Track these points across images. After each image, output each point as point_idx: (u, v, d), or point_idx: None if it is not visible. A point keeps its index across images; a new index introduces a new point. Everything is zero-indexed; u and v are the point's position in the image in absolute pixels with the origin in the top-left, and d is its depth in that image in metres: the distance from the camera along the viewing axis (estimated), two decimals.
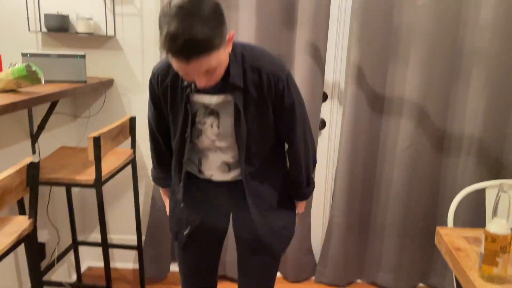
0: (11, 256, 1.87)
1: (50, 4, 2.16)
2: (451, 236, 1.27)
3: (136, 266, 2.50)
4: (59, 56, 1.95)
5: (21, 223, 1.35)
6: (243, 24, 2.06)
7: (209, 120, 1.24)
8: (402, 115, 2.14)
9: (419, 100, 2.09)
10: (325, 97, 2.29)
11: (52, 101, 1.95)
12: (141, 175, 2.39)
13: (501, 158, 2.12)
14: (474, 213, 2.17)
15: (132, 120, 2.01)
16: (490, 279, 1.04)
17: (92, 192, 2.41)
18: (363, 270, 2.43)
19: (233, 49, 1.15)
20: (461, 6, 2.02)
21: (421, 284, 2.41)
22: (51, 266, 2.07)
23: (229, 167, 1.30)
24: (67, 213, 2.28)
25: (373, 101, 2.17)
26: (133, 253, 2.51)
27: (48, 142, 2.12)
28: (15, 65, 1.66)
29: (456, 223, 1.41)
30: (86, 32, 2.13)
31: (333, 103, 2.31)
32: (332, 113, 2.32)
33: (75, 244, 2.26)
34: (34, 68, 1.62)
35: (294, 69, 2.13)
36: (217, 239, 1.48)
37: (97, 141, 1.66)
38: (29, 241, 1.38)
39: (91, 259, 2.53)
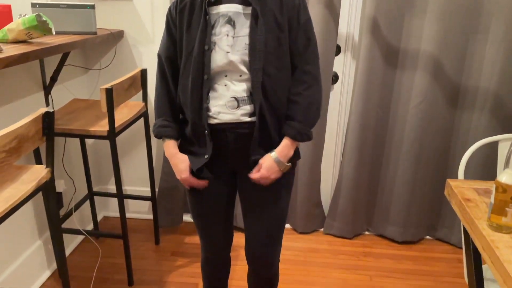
0: (30, 205, 1.94)
1: None
2: (461, 187, 1.27)
3: (150, 216, 2.58)
4: (68, 6, 1.92)
5: (39, 171, 1.39)
6: None
7: (225, 29, 1.22)
8: (416, 69, 2.10)
9: (435, 54, 2.04)
10: (338, 50, 2.24)
11: (64, 53, 1.95)
12: None
13: None
14: (484, 170, 2.17)
15: (144, 72, 2.01)
16: (499, 228, 1.05)
17: (106, 144, 2.48)
18: (371, 223, 2.48)
19: None
20: None
21: (428, 237, 2.46)
22: (68, 215, 2.15)
23: (238, 102, 1.25)
24: (82, 164, 2.33)
25: (387, 54, 2.12)
26: (147, 204, 2.58)
27: (61, 95, 2.13)
28: (25, 15, 1.64)
29: (466, 178, 1.41)
30: None
31: (346, 57, 2.27)
32: (345, 67, 2.29)
33: (91, 195, 2.33)
34: (44, 18, 1.61)
35: None
36: (225, 191, 1.44)
37: (109, 92, 1.67)
38: (48, 189, 1.42)
39: (106, 209, 2.62)
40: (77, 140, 2.29)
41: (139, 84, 1.99)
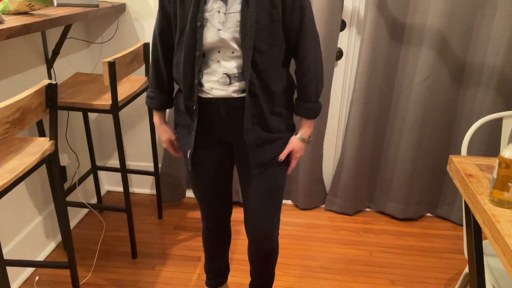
0: (35, 178, 1.96)
1: None
2: (464, 163, 1.28)
3: (153, 191, 2.61)
4: None
5: (42, 144, 1.39)
6: None
7: (217, 5, 1.20)
8: (422, 45, 2.07)
9: (441, 29, 2.01)
10: (343, 25, 2.21)
11: (65, 26, 1.93)
12: None
13: None
14: (488, 147, 2.17)
15: (146, 46, 1.99)
16: (500, 203, 1.06)
17: (109, 119, 2.48)
18: (372, 200, 2.49)
19: None
20: None
21: (428, 214, 2.48)
22: (72, 189, 2.17)
23: (230, 79, 1.25)
24: (85, 139, 2.34)
25: (393, 30, 2.09)
26: (150, 179, 2.60)
27: (63, 68, 2.12)
28: None
29: (469, 155, 1.41)
30: None
31: (351, 32, 2.24)
32: (350, 43, 2.26)
33: (94, 169, 2.35)
34: None
35: None
36: (221, 162, 1.44)
37: (112, 66, 1.66)
38: (52, 161, 1.43)
39: (109, 184, 2.64)
40: (80, 114, 2.29)
41: (141, 58, 1.97)
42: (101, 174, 2.56)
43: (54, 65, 2.00)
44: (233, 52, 1.23)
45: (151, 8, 2.22)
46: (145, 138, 2.51)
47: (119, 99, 1.77)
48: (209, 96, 1.28)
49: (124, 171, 1.88)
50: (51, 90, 1.32)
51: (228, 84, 1.26)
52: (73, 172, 2.27)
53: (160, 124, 1.47)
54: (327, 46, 2.11)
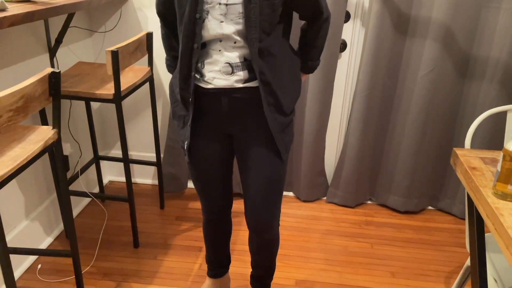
0: (37, 166, 1.96)
1: None
2: (467, 156, 1.27)
3: (155, 181, 2.61)
4: None
5: (45, 132, 1.39)
6: None
7: None
8: (427, 37, 2.06)
9: (446, 22, 2.00)
10: (347, 16, 2.19)
11: (68, 14, 1.92)
12: (159, 94, 2.41)
13: None
14: (491, 141, 2.17)
15: (149, 36, 1.98)
16: (504, 196, 1.06)
17: (111, 109, 2.47)
18: (373, 192, 2.50)
19: None
20: None
21: (429, 207, 2.48)
22: (74, 178, 2.17)
23: (232, 68, 1.24)
24: (87, 129, 2.34)
25: (397, 22, 2.08)
26: (152, 169, 2.60)
27: (66, 57, 2.11)
28: None
29: (472, 148, 1.41)
30: None
31: (355, 24, 2.22)
32: (354, 35, 2.24)
33: (97, 159, 2.35)
34: None
35: None
36: (221, 154, 1.43)
37: (115, 55, 1.65)
38: (55, 149, 1.43)
39: (112, 174, 2.64)
40: (83, 104, 2.28)
41: (144, 48, 1.96)
42: (103, 164, 2.56)
43: (57, 54, 2.00)
44: (235, 42, 1.22)
45: None
46: (148, 128, 2.51)
47: (122, 89, 1.77)
48: (210, 86, 1.27)
49: (126, 161, 1.88)
50: (54, 78, 1.32)
51: (231, 74, 1.25)
52: (76, 161, 2.27)
53: None
54: (331, 37, 2.10)
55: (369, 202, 2.53)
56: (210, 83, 1.27)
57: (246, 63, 1.24)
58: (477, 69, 2.11)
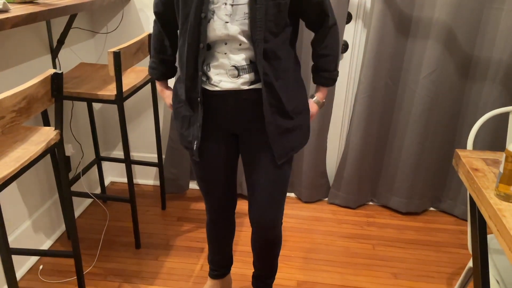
0: (39, 167, 1.96)
1: None
2: (469, 157, 1.27)
3: (157, 182, 2.62)
4: None
5: (48, 133, 1.40)
6: None
7: None
8: (428, 38, 2.06)
9: (448, 22, 2.00)
10: (349, 18, 2.19)
11: (71, 15, 1.92)
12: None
13: None
14: (493, 142, 2.16)
15: (151, 37, 1.98)
16: (506, 198, 1.05)
17: (113, 110, 2.48)
18: (375, 194, 2.49)
19: None
20: None
21: (431, 208, 2.48)
22: (76, 179, 2.17)
23: (238, 71, 1.25)
24: (89, 129, 2.34)
25: (399, 22, 2.08)
26: (154, 170, 2.61)
27: (68, 58, 2.12)
28: None
29: (475, 149, 1.41)
30: None
31: (357, 25, 2.22)
32: (356, 36, 2.24)
33: (99, 160, 2.35)
34: None
35: None
36: (226, 154, 1.43)
37: (117, 56, 1.65)
38: (57, 150, 1.43)
39: (113, 174, 2.65)
40: (85, 105, 2.29)
41: (146, 49, 1.97)
42: (105, 164, 2.56)
43: (59, 55, 2.00)
44: (240, 44, 1.22)
45: None
46: (149, 129, 2.51)
47: (124, 90, 1.77)
48: (217, 89, 1.27)
49: (128, 162, 1.88)
50: (57, 79, 1.32)
51: (237, 77, 1.25)
52: (77, 162, 2.27)
53: (162, 90, 1.50)
54: None
55: (370, 203, 2.53)
56: (217, 86, 1.27)
57: (252, 66, 1.24)
58: (479, 70, 2.11)
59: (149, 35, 1.97)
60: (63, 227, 2.15)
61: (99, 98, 1.74)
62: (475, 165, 1.23)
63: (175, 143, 2.38)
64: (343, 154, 2.39)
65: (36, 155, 1.29)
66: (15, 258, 1.81)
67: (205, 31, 1.20)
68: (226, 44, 1.23)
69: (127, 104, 2.46)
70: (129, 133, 2.53)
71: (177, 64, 1.39)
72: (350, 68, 2.31)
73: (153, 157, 2.54)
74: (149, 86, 2.37)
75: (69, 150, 2.17)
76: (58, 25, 1.98)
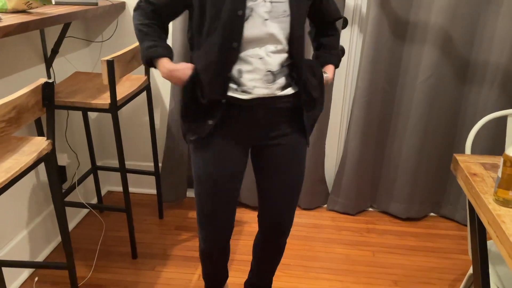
0: (34, 178, 1.94)
1: None
2: (468, 162, 1.25)
3: (154, 191, 2.59)
4: None
5: (39, 143, 1.38)
6: None
7: None
8: (425, 42, 2.05)
9: (445, 26, 1.98)
10: (345, 23, 2.18)
11: (64, 24, 1.91)
12: (156, 103, 2.40)
13: None
14: (492, 146, 2.14)
15: None
16: (505, 203, 1.03)
17: (109, 119, 2.46)
18: (375, 200, 2.47)
19: None
20: None
21: (432, 214, 2.45)
22: (72, 189, 2.15)
23: (274, 76, 1.19)
24: (85, 138, 2.32)
25: (395, 27, 2.07)
26: (150, 179, 2.58)
27: (63, 67, 2.11)
28: None
29: (473, 154, 1.39)
30: None
31: (353, 30, 2.21)
32: (352, 41, 2.23)
33: (94, 169, 2.33)
34: None
35: None
36: (239, 168, 1.35)
37: (111, 64, 1.64)
38: (49, 161, 1.41)
39: (110, 184, 2.62)
40: (80, 114, 2.27)
41: None
42: (102, 174, 2.54)
43: (54, 64, 1.99)
44: (276, 47, 1.18)
45: None
46: (145, 138, 2.49)
47: (118, 98, 1.75)
48: (248, 96, 1.20)
49: (123, 171, 1.86)
50: (47, 89, 1.31)
51: (272, 82, 1.20)
52: (73, 172, 2.25)
53: (175, 65, 1.23)
54: None
55: (370, 209, 2.50)
56: (250, 93, 1.20)
57: (284, 69, 1.23)
58: (477, 74, 2.09)
59: None
60: (59, 238, 2.13)
61: (93, 107, 1.73)
62: (473, 170, 1.21)
63: (172, 151, 2.36)
64: (342, 160, 2.37)
65: (27, 166, 1.27)
66: (10, 270, 1.79)
67: (241, 29, 1.14)
68: (260, 47, 1.17)
69: (123, 112, 2.45)
70: (125, 142, 2.51)
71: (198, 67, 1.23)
72: (347, 73, 2.29)
73: (149, 165, 2.52)
74: (144, 94, 2.35)
75: (64, 159, 2.15)
76: (53, 34, 1.97)
